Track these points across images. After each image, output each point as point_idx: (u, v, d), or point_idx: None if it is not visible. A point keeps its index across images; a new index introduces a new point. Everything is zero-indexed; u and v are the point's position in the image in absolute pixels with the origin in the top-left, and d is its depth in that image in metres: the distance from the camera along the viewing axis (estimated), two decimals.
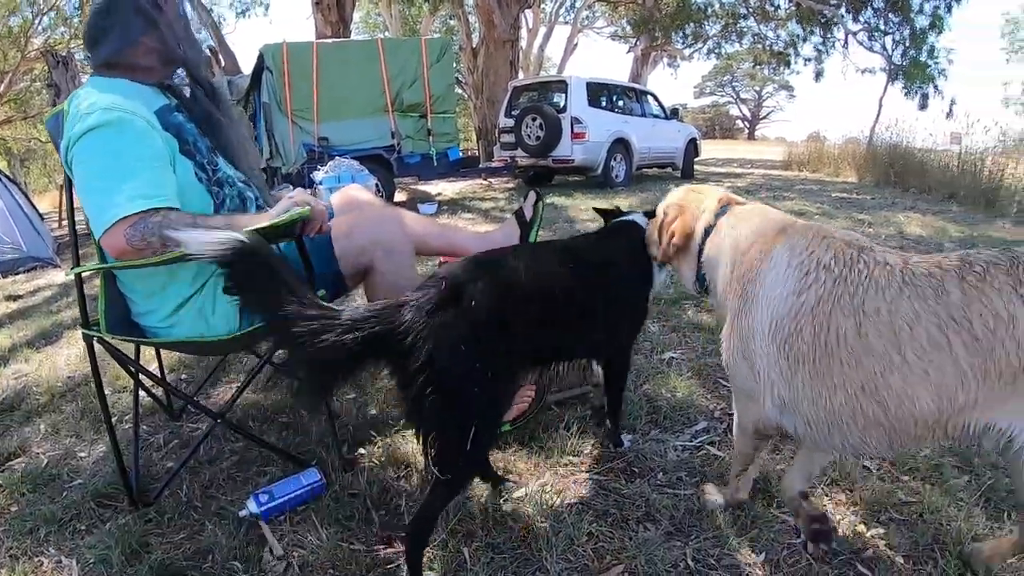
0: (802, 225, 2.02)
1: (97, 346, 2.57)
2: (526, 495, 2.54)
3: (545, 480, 2.64)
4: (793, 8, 24.96)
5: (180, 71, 2.62)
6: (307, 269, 2.59)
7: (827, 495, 2.51)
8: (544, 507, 2.44)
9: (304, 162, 10.35)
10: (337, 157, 9.82)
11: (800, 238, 1.92)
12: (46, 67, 15.04)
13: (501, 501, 2.50)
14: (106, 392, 2.74)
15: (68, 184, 2.53)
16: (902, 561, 2.19)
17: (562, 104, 13.51)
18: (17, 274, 8.93)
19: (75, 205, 2.59)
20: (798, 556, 2.21)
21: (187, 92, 2.64)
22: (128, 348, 2.82)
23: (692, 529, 2.33)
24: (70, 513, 2.68)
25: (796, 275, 1.84)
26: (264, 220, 2.31)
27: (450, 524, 2.35)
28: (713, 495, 2.45)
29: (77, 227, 2.69)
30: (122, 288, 2.62)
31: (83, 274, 2.57)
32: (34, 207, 10.47)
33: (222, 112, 2.72)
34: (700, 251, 2.28)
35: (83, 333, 2.57)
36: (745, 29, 27.63)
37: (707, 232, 2.26)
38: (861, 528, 2.33)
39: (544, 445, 2.83)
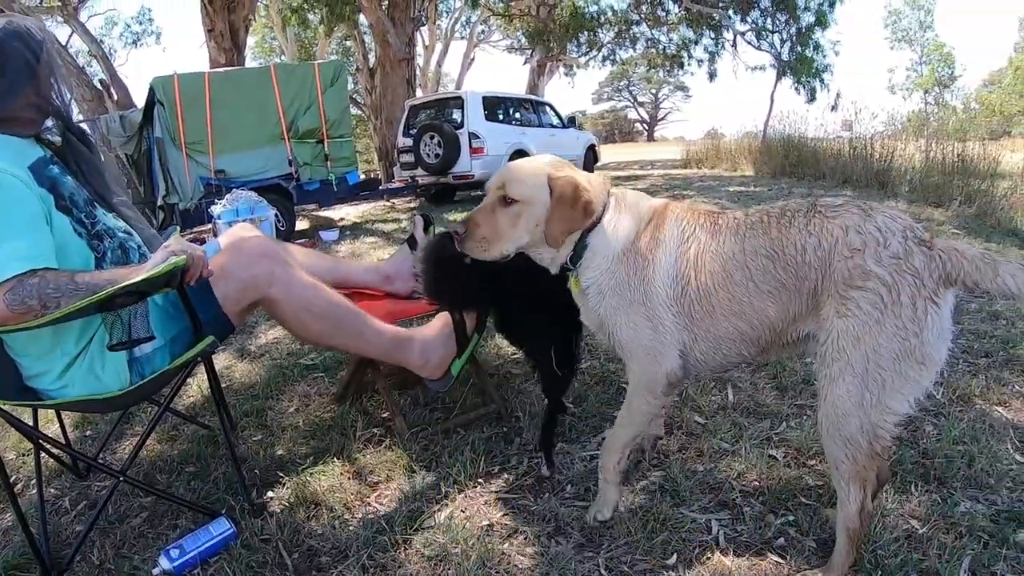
0: (678, 203, 2.38)
1: None
2: (436, 522, 2.56)
3: (456, 505, 2.66)
4: (683, 13, 25.58)
5: (50, 120, 2.57)
6: (192, 318, 2.56)
7: (734, 488, 2.60)
8: (454, 532, 2.45)
9: (202, 197, 10.11)
10: (235, 190, 9.58)
11: (680, 210, 2.31)
12: None
13: (411, 530, 2.51)
14: (11, 456, 2.68)
15: None
16: (814, 545, 2.29)
17: (459, 120, 13.61)
18: None
19: None
20: (710, 552, 2.28)
21: (58, 140, 2.60)
22: (27, 410, 2.77)
23: (603, 539, 2.38)
24: None
25: (680, 239, 2.23)
26: (142, 272, 2.27)
27: (361, 559, 2.37)
28: (602, 504, 2.51)
29: None
30: (10, 352, 2.55)
31: None
32: None
33: (95, 156, 2.68)
34: (590, 227, 2.34)
35: None
36: (638, 35, 28.21)
37: (603, 206, 2.36)
38: (770, 517, 2.42)
39: (452, 470, 2.85)
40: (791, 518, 2.41)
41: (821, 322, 2.01)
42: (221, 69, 14.47)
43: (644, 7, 26.63)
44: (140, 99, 10.83)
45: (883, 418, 1.94)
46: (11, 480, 3.26)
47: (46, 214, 2.33)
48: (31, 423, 2.75)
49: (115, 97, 19.26)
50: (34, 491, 3.07)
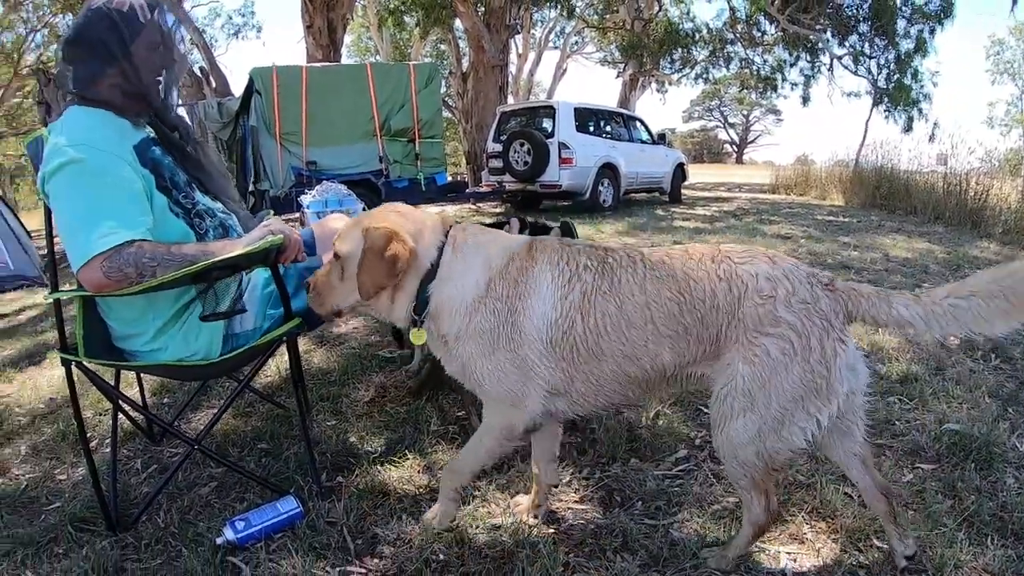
0: (547, 241, 2.31)
1: (76, 370, 2.58)
2: (502, 524, 2.53)
3: (524, 508, 2.62)
4: (779, 34, 25.11)
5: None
6: (283, 297, 2.60)
7: (807, 522, 2.51)
8: (520, 537, 2.43)
9: (292, 186, 10.33)
10: (325, 181, 9.70)
11: (553, 251, 2.23)
12: (38, 84, 15.05)
13: (477, 531, 2.50)
14: (87, 415, 2.74)
15: (46, 210, 2.54)
16: None
17: (550, 129, 13.54)
18: (3, 292, 8.87)
19: (53, 230, 2.60)
20: None
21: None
22: (108, 371, 2.83)
23: (669, 561, 2.32)
24: (47, 536, 2.67)
25: (559, 281, 2.16)
26: (238, 247, 2.34)
27: (424, 554, 2.35)
28: (442, 516, 2.51)
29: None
30: (101, 313, 2.62)
31: (62, 299, 2.59)
32: (22, 225, 10.37)
33: (195, 147, 2.72)
34: (426, 277, 2.25)
35: (61, 358, 2.57)
36: (732, 54, 27.72)
37: (440, 249, 2.27)
38: (842, 556, 2.33)
39: (522, 473, 2.83)
40: (862, 559, 2.33)
41: (722, 366, 2.03)
42: (318, 64, 14.73)
43: (740, 26, 26.24)
44: (237, 88, 11.08)
45: (780, 446, 2.01)
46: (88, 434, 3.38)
47: (147, 192, 2.41)
48: (112, 384, 2.81)
49: (213, 85, 19.75)
50: (107, 449, 3.16)
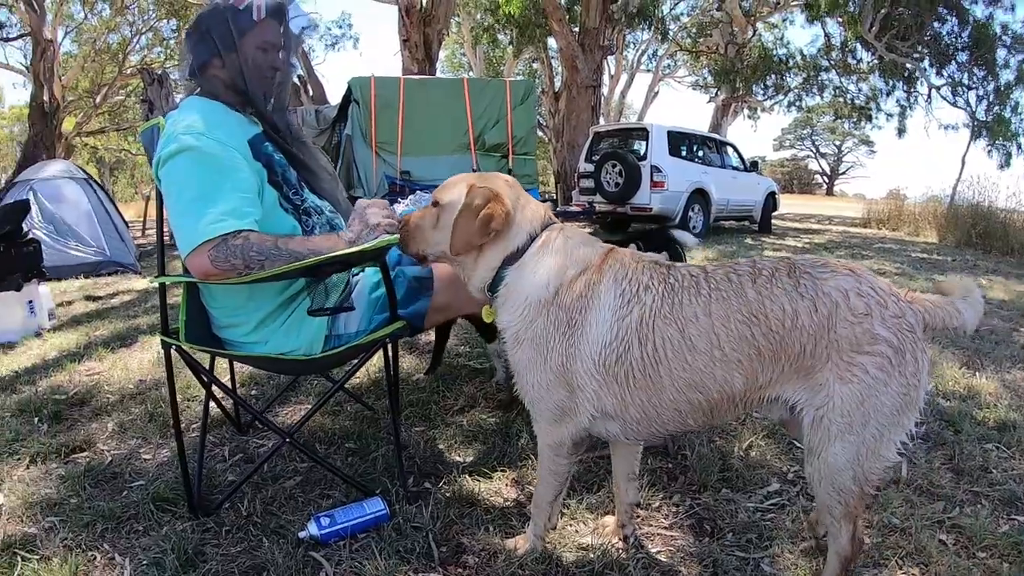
0: (620, 252, 2.22)
1: (173, 354, 2.65)
2: (590, 544, 2.51)
3: (613, 530, 2.60)
4: (875, 61, 24.51)
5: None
6: (390, 297, 2.63)
7: (900, 567, 2.43)
8: (609, 558, 2.40)
9: (385, 194, 10.41)
10: (418, 191, 9.78)
11: (620, 266, 2.14)
12: (141, 83, 15.53)
13: (564, 549, 2.48)
14: (177, 399, 2.80)
15: (158, 195, 2.61)
16: None
17: (643, 152, 13.51)
18: (99, 276, 9.24)
19: (164, 216, 2.67)
20: None
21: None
22: (202, 359, 2.89)
23: None
24: (128, 512, 2.76)
25: (619, 301, 2.07)
26: (341, 244, 2.40)
27: (512, 567, 2.34)
28: (527, 551, 2.44)
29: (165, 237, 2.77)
30: (204, 301, 2.70)
31: (166, 284, 2.67)
32: (120, 214, 10.84)
33: (301, 149, 2.79)
34: (510, 257, 2.23)
35: (162, 340, 2.64)
36: (826, 82, 27.17)
37: (531, 239, 2.23)
38: None
39: (612, 494, 2.77)
40: None
41: (812, 386, 1.96)
42: (415, 76, 14.91)
43: (835, 53, 25.73)
44: (332, 97, 11.27)
45: (875, 466, 1.98)
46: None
47: (259, 186, 2.49)
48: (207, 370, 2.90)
49: (311, 92, 20.20)
50: (195, 435, 3.23)
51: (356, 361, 2.75)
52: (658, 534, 2.63)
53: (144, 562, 2.45)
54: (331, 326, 2.68)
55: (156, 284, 2.69)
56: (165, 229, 2.70)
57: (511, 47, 27.28)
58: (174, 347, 2.64)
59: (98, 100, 29.46)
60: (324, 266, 2.38)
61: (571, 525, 2.66)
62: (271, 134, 2.67)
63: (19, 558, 2.52)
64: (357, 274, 2.85)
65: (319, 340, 2.65)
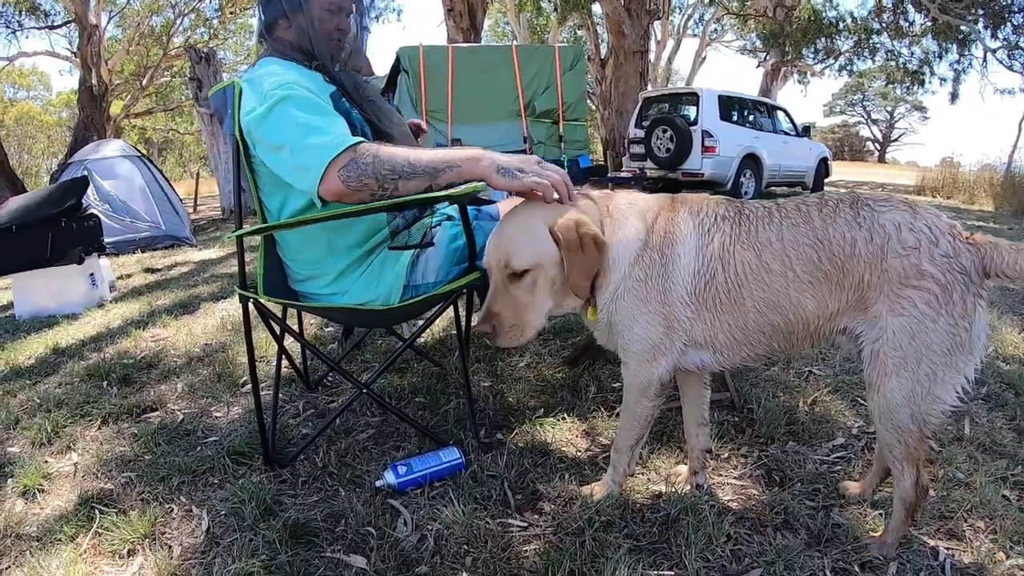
0: (687, 195, 2.32)
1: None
2: (663, 491, 2.53)
3: (685, 479, 2.61)
4: (928, 24, 23.72)
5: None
6: (469, 243, 2.63)
7: (966, 519, 2.42)
8: (683, 503, 2.40)
9: None
10: None
11: (694, 202, 2.24)
12: (186, 64, 15.65)
13: (639, 495, 2.50)
14: (246, 359, 2.84)
15: (236, 153, 2.63)
16: None
17: (693, 116, 13.35)
18: (155, 250, 9.43)
19: (240, 170, 2.71)
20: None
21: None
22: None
23: (832, 543, 2.26)
24: (204, 466, 2.83)
25: (700, 231, 2.15)
26: (485, 163, 2.29)
27: (588, 512, 2.35)
28: (602, 495, 2.46)
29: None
30: (282, 255, 2.72)
31: (240, 245, 2.67)
32: (173, 189, 11.09)
33: (375, 111, 2.78)
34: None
35: (240, 294, 2.68)
36: (878, 45, 26.35)
37: (600, 221, 2.24)
38: (999, 556, 2.23)
39: (683, 446, 2.77)
40: (1020, 562, 2.21)
41: (869, 318, 2.02)
42: (463, 44, 14.87)
43: (886, 15, 24.96)
44: (379, 69, 11.24)
45: (932, 407, 2.01)
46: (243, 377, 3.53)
47: None
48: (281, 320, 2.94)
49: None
50: (265, 392, 3.30)
51: (436, 309, 2.76)
52: (729, 483, 2.64)
53: (222, 512, 2.51)
54: (409, 276, 2.68)
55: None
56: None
57: (555, 14, 26.95)
58: (251, 300, 2.67)
59: (144, 82, 29.83)
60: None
61: (643, 474, 2.67)
62: (345, 93, 2.67)
63: (97, 512, 2.59)
64: (436, 224, 2.85)
65: (397, 290, 2.66)
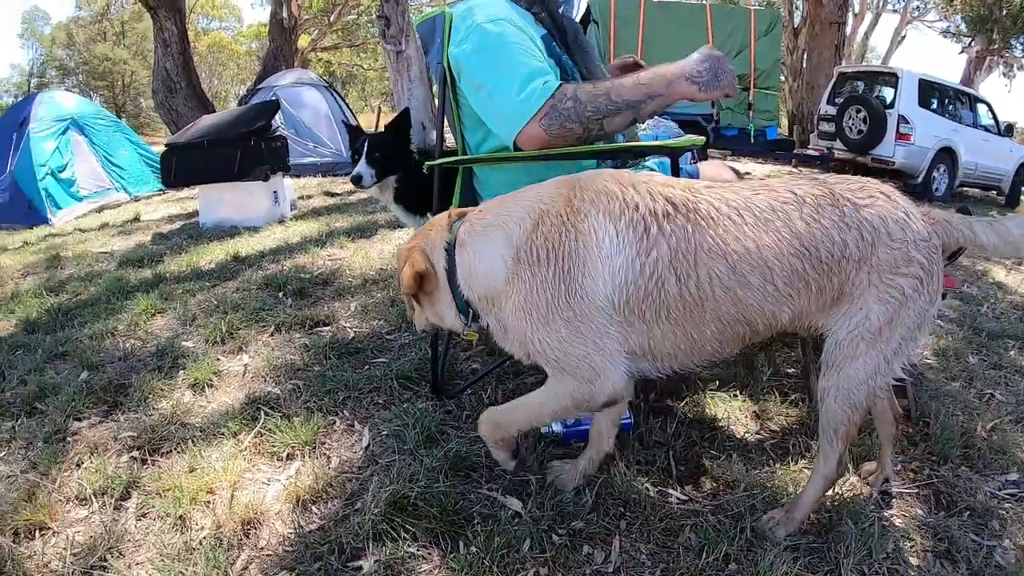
0: (590, 183, 2.01)
1: None
2: (828, 493, 2.35)
3: (851, 482, 2.48)
4: None
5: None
6: None
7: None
8: (842, 507, 2.29)
9: None
10: (657, 117, 9.60)
11: (608, 199, 1.94)
12: (374, 3, 15.91)
13: (799, 488, 2.35)
14: None
15: (443, 82, 2.60)
16: None
17: (889, 99, 12.41)
18: (335, 175, 9.74)
19: (446, 105, 2.69)
20: None
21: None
22: None
23: None
24: (370, 385, 2.92)
25: (632, 236, 1.89)
26: (681, 80, 2.23)
27: (754, 496, 2.30)
28: (562, 472, 2.38)
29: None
30: (479, 190, 2.72)
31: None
32: (356, 120, 11.42)
33: (582, 55, 2.70)
34: (450, 277, 2.10)
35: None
36: None
37: (449, 250, 2.09)
38: None
39: (852, 449, 2.60)
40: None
41: (850, 311, 1.96)
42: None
43: None
44: None
45: (886, 381, 2.05)
46: None
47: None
48: None
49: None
50: None
51: None
52: (894, 496, 2.47)
53: (384, 432, 2.59)
54: None
55: None
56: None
57: None
58: None
59: (332, 18, 30.65)
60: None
61: (808, 471, 2.47)
62: (556, 36, 2.60)
63: (262, 413, 2.73)
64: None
65: None
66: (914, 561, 2.14)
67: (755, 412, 2.89)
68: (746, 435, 2.72)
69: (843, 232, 1.91)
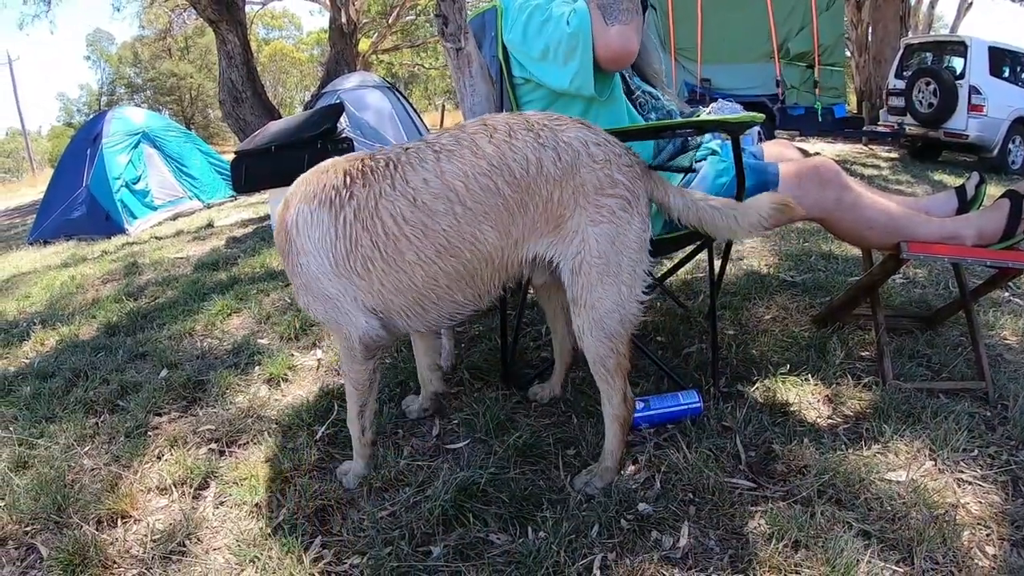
0: (311, 172, 2.25)
1: None
2: (896, 478, 2.32)
3: (923, 469, 2.38)
4: None
5: None
6: (738, 179, 2.51)
7: None
8: (918, 496, 2.21)
9: (685, 101, 10.24)
10: (720, 99, 9.49)
11: (305, 185, 2.19)
12: (431, 2, 16.01)
13: (873, 477, 2.30)
14: None
15: (500, 75, 2.72)
16: None
17: (959, 70, 11.90)
18: None
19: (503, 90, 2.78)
20: None
21: None
22: None
23: None
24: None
25: (323, 209, 2.11)
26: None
27: (823, 481, 2.25)
28: (350, 470, 2.45)
29: None
30: None
31: None
32: (420, 117, 11.57)
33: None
34: None
35: None
36: None
37: None
38: None
39: (937, 432, 2.53)
40: None
41: (566, 235, 2.06)
42: None
43: None
44: None
45: (635, 305, 2.13)
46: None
47: None
48: None
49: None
50: (509, 313, 3.31)
51: (693, 247, 2.81)
52: (969, 483, 2.36)
53: (455, 421, 2.66)
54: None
55: None
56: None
57: None
58: None
59: (390, 20, 30.90)
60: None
61: (883, 455, 2.45)
62: None
63: (336, 405, 2.85)
64: (702, 159, 2.76)
65: (658, 221, 2.59)
66: (990, 550, 2.06)
67: (827, 396, 2.83)
68: (818, 420, 2.67)
69: (538, 152, 2.01)
